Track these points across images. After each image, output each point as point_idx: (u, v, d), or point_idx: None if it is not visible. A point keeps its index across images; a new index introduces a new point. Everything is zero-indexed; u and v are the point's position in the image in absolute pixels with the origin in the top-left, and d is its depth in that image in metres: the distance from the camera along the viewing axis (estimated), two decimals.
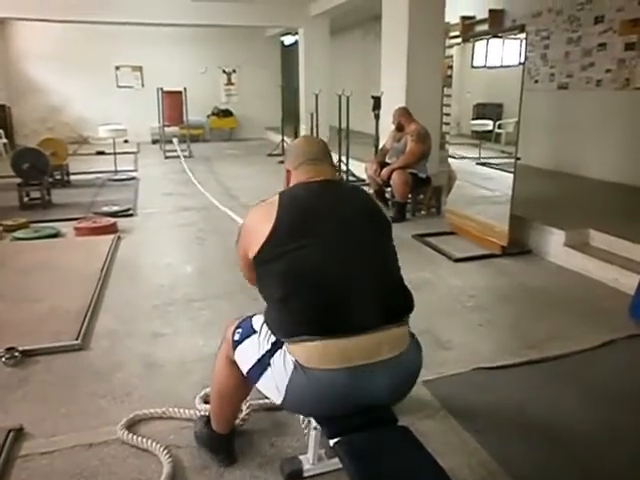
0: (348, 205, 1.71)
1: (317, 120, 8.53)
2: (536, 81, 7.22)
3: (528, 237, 4.44)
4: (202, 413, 2.13)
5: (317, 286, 1.53)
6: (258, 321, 1.70)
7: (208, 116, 13.45)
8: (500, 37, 5.56)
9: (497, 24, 7.62)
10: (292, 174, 1.80)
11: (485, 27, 8.03)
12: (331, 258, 1.56)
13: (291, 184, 1.78)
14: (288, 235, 1.57)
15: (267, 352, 1.59)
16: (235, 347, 1.72)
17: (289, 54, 13.80)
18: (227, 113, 13.66)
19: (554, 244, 4.18)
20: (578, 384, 2.47)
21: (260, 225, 1.61)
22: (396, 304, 1.62)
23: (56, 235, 4.86)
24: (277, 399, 1.58)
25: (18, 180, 5.93)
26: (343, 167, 7.47)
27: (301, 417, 2.07)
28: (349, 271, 1.56)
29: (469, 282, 3.74)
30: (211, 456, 1.95)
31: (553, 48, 6.95)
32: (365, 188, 6.22)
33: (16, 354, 2.59)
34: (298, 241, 1.55)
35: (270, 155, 10.19)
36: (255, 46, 13.52)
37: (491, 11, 7.88)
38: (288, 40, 13.24)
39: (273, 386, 1.57)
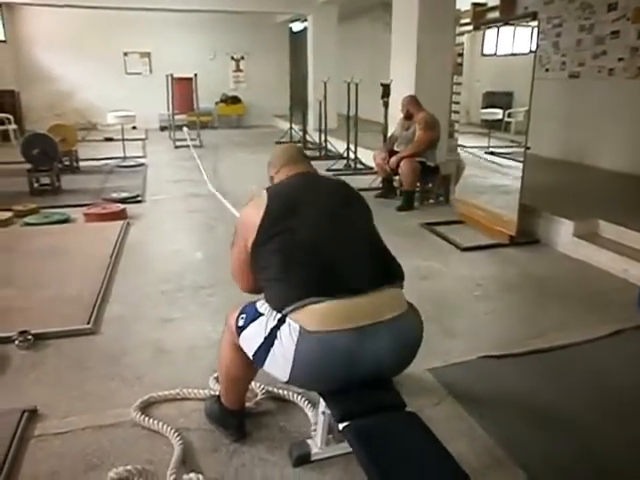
0: (328, 188, 1.92)
1: (325, 107, 8.50)
2: (547, 69, 7.15)
3: (537, 227, 4.43)
4: (214, 393, 2.17)
5: (311, 255, 1.66)
6: (263, 305, 1.74)
7: (216, 103, 13.43)
8: (511, 25, 5.50)
9: (509, 11, 7.53)
10: (275, 178, 2.01)
11: (496, 14, 7.94)
12: (319, 233, 1.71)
13: None
14: (276, 219, 1.73)
15: (274, 327, 1.63)
16: (240, 333, 1.76)
17: (298, 41, 13.69)
18: (235, 100, 13.63)
19: (563, 234, 4.17)
20: (585, 373, 2.48)
21: (252, 217, 1.76)
22: (387, 268, 1.75)
23: (66, 221, 4.90)
24: (284, 372, 1.61)
25: (28, 166, 5.96)
26: (352, 155, 7.46)
27: (311, 402, 2.10)
28: (337, 244, 1.71)
29: (477, 271, 3.75)
30: (222, 431, 2.00)
31: (565, 36, 6.87)
32: (373, 176, 6.22)
33: (29, 337, 2.64)
34: (286, 223, 1.71)
35: (278, 143, 10.17)
36: (264, 33, 13.43)
37: None
38: (297, 27, 13.14)
39: (280, 359, 1.61)
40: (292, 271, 1.65)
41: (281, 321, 1.63)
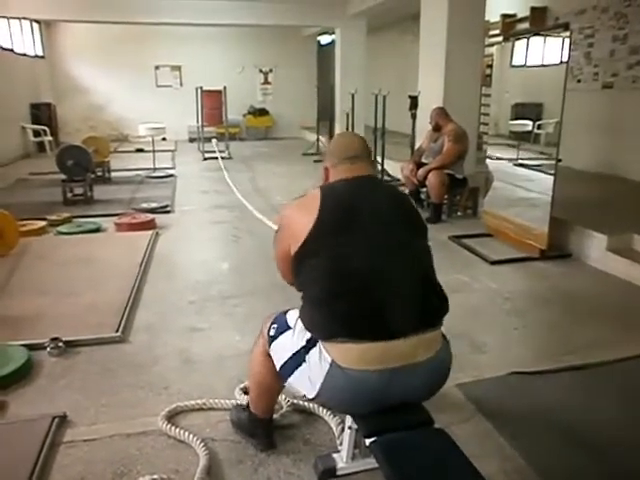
0: (388, 205, 1.71)
1: (353, 119, 8.52)
2: (579, 80, 7.03)
3: (568, 240, 4.33)
4: (240, 403, 2.18)
5: (362, 290, 1.53)
6: (292, 317, 1.74)
7: (244, 115, 13.61)
8: (541, 35, 5.44)
9: (539, 22, 7.45)
10: (330, 172, 1.80)
11: (526, 25, 7.87)
12: (375, 260, 1.56)
13: (330, 181, 1.79)
14: (331, 231, 1.57)
15: (302, 348, 1.62)
16: (271, 342, 1.77)
17: (325, 53, 13.82)
18: (263, 112, 13.79)
19: (596, 248, 4.07)
20: (618, 393, 2.40)
21: (301, 218, 1.61)
22: (433, 309, 1.63)
23: (97, 230, 5.00)
24: (309, 393, 1.62)
25: (62, 176, 6.12)
26: (379, 167, 7.45)
27: (336, 416, 2.09)
28: (392, 276, 1.56)
29: (506, 285, 3.68)
30: (249, 440, 2.00)
31: (597, 46, 6.76)
32: (400, 188, 6.19)
33: (60, 344, 2.69)
34: (341, 238, 1.55)
35: (305, 154, 10.22)
36: (291, 46, 13.60)
37: (533, 9, 7.71)
38: (324, 39, 13.27)
39: (307, 381, 1.60)
40: (336, 301, 1.53)
41: (310, 342, 1.61)
